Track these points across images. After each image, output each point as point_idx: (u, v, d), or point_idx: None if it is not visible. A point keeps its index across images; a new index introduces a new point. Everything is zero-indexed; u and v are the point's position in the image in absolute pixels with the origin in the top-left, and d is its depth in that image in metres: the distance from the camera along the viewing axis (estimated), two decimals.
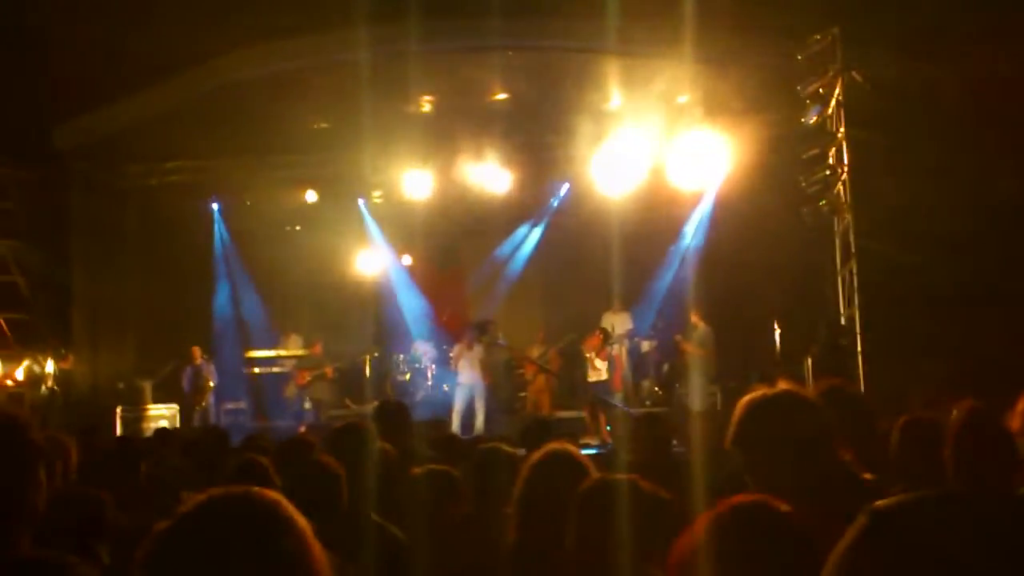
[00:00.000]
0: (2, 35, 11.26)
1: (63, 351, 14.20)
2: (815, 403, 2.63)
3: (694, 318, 13.93)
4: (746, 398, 2.65)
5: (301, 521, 1.61)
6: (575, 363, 14.37)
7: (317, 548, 1.62)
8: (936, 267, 10.48)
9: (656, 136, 14.15)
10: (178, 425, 13.74)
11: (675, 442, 6.30)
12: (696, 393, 13.51)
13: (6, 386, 13.08)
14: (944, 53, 10.38)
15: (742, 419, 2.60)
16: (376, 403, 8.07)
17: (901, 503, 1.33)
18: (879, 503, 1.35)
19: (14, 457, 2.31)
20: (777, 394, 2.63)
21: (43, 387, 13.72)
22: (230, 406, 15.98)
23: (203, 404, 15.29)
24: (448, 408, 14.08)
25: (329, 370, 15.60)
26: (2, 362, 13.36)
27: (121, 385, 14.76)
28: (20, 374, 13.61)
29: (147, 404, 14.56)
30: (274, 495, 1.64)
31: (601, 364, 13.55)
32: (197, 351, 15.54)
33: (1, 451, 2.30)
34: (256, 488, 1.65)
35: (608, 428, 12.79)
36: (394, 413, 5.59)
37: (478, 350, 14.43)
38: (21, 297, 13.77)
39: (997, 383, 4.16)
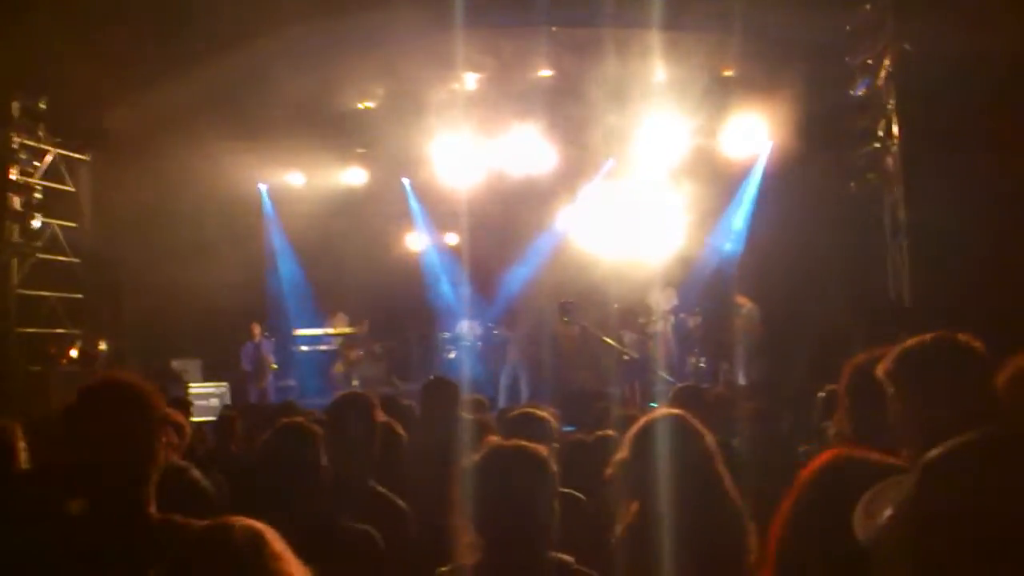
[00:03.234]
0: (55, 20, 11.42)
1: (116, 330, 14.44)
2: (975, 347, 2.56)
3: (740, 297, 13.86)
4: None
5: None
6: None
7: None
8: (987, 241, 10.30)
9: (701, 111, 14.03)
10: (229, 403, 13.89)
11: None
12: (742, 369, 13.50)
13: (61, 365, 13.31)
14: (996, 23, 10.15)
15: (904, 352, 2.59)
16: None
17: (945, 451, 1.31)
18: (929, 454, 1.34)
19: (142, 426, 2.44)
20: (937, 336, 2.61)
21: (96, 366, 13.94)
22: (279, 384, 16.17)
23: (262, 384, 15.44)
24: (493, 386, 14.18)
25: (378, 348, 15.74)
26: (57, 341, 13.59)
27: (172, 364, 14.96)
28: (74, 353, 13.85)
29: (197, 382, 14.76)
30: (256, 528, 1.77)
31: (633, 341, 13.66)
32: (257, 328, 15.69)
33: (131, 420, 2.42)
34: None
35: (653, 404, 12.78)
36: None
37: (521, 330, 14.43)
38: (75, 277, 14.00)
39: None
